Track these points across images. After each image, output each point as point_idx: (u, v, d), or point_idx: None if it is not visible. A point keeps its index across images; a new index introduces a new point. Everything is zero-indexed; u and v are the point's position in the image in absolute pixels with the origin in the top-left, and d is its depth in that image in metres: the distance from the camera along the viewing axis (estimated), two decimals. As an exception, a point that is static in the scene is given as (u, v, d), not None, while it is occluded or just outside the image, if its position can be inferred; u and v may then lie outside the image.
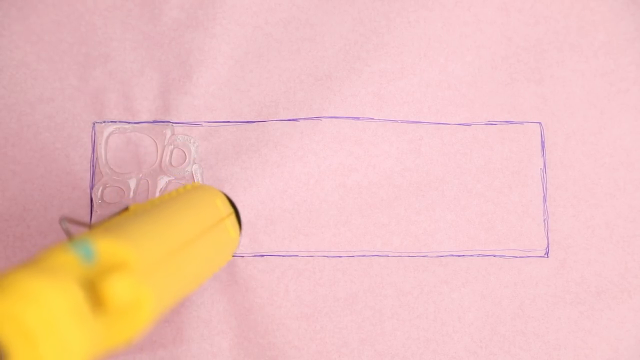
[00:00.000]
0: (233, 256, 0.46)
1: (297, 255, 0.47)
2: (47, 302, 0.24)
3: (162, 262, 0.31)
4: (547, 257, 0.48)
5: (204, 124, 0.47)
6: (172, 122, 0.47)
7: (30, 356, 0.23)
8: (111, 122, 0.47)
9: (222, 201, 0.41)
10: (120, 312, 0.27)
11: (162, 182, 0.47)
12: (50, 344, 0.23)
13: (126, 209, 0.37)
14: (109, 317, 0.27)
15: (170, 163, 0.47)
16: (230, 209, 0.42)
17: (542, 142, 0.49)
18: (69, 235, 0.30)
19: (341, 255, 0.47)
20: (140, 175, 0.47)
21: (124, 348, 0.32)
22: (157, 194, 0.46)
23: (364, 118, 0.48)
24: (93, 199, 0.46)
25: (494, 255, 0.48)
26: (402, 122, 0.49)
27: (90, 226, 0.34)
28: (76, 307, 0.25)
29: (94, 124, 0.47)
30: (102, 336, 0.26)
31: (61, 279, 0.25)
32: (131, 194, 0.46)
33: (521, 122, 0.49)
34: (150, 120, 0.47)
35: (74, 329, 0.24)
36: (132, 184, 0.47)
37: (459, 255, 0.48)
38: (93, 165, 0.47)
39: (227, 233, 0.41)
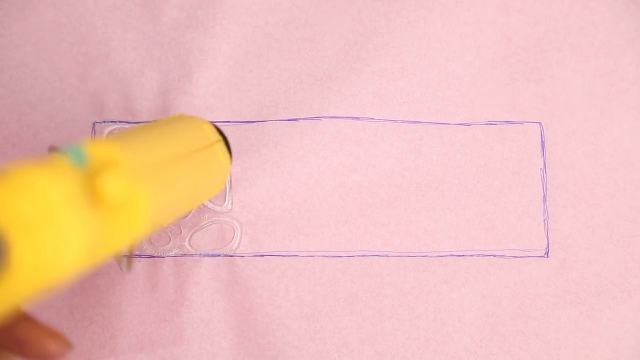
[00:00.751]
0: (233, 256, 0.46)
1: (297, 255, 0.47)
2: (45, 190, 0.24)
3: (152, 169, 0.32)
4: (547, 257, 0.48)
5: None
6: (172, 122, 0.47)
7: (30, 244, 0.24)
8: (111, 122, 0.47)
9: (210, 128, 0.41)
10: (116, 209, 0.27)
11: (162, 182, 0.47)
12: (48, 231, 0.24)
13: None
14: (105, 215, 0.27)
15: (170, 163, 0.47)
16: (219, 137, 0.42)
17: (542, 142, 0.49)
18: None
19: (341, 255, 0.47)
20: (140, 175, 0.47)
21: (125, 250, 0.33)
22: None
23: (364, 118, 0.48)
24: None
25: (494, 255, 0.48)
26: (402, 122, 0.49)
27: None
28: (73, 197, 0.25)
29: (94, 124, 0.47)
30: (100, 233, 0.26)
31: (57, 171, 0.25)
32: (131, 193, 0.46)
33: (521, 122, 0.49)
34: (150, 120, 0.47)
35: (71, 217, 0.25)
36: (132, 183, 0.47)
37: (459, 255, 0.48)
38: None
39: (217, 157, 0.41)
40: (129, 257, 0.37)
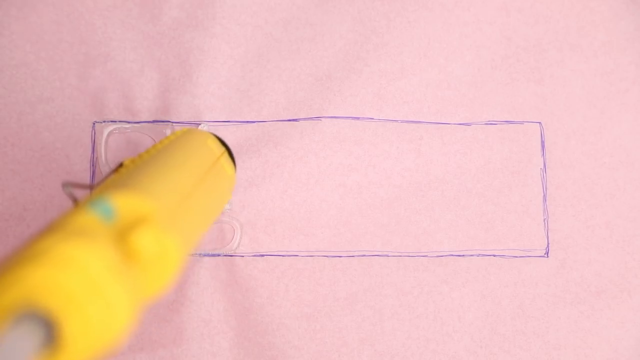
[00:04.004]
0: (233, 256, 0.46)
1: (297, 255, 0.47)
2: (86, 264, 0.24)
3: (177, 209, 0.32)
4: (547, 257, 0.48)
5: (204, 124, 0.47)
6: (172, 122, 0.47)
7: (80, 321, 0.23)
8: (111, 122, 0.47)
9: (213, 141, 0.41)
10: (150, 263, 0.28)
11: (162, 182, 0.47)
12: (96, 304, 0.24)
13: (120, 165, 0.37)
14: (141, 270, 0.27)
15: (170, 163, 0.47)
16: (222, 148, 0.42)
17: (542, 142, 0.49)
18: (74, 199, 0.31)
19: (341, 255, 0.47)
20: (140, 175, 0.47)
21: (159, 297, 0.33)
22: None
23: (364, 118, 0.48)
24: (93, 198, 0.46)
25: (494, 255, 0.48)
26: (402, 122, 0.49)
27: (91, 187, 0.34)
28: (113, 265, 0.25)
29: (94, 124, 0.47)
30: (138, 290, 0.27)
31: (93, 239, 0.25)
32: (131, 193, 0.46)
33: (521, 122, 0.49)
34: (150, 120, 0.47)
35: (116, 287, 0.24)
36: (132, 183, 0.47)
37: (459, 255, 0.48)
38: (93, 165, 0.47)
39: (224, 171, 0.41)
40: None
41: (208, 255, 0.46)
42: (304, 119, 0.48)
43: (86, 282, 0.24)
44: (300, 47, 0.49)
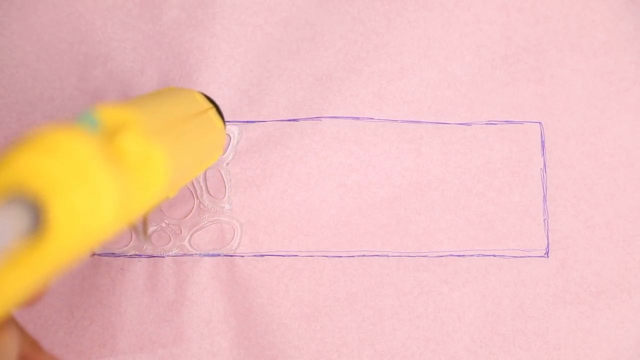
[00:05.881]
0: (233, 256, 0.46)
1: (297, 255, 0.47)
2: (73, 150, 0.24)
3: (161, 129, 0.32)
4: (547, 257, 0.48)
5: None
6: (172, 122, 0.47)
7: (66, 205, 0.24)
8: (111, 122, 0.47)
9: (201, 97, 0.42)
10: (136, 168, 0.28)
11: (162, 182, 0.47)
12: (82, 189, 0.24)
13: None
14: (127, 175, 0.27)
15: (170, 163, 0.47)
16: (210, 104, 0.42)
17: (542, 142, 0.49)
18: None
19: (341, 255, 0.47)
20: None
21: (150, 208, 0.33)
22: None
23: (363, 118, 0.48)
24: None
25: (494, 255, 0.48)
26: (402, 122, 0.49)
27: None
28: (99, 154, 0.25)
29: (94, 123, 0.47)
30: (126, 189, 0.27)
31: (79, 132, 0.25)
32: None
33: (521, 122, 0.49)
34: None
35: (102, 174, 0.25)
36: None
37: (459, 255, 0.48)
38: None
39: (212, 122, 0.41)
40: (144, 225, 0.38)
41: (208, 255, 0.46)
42: (304, 119, 0.48)
43: (73, 166, 0.24)
44: (300, 47, 0.49)
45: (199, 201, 0.47)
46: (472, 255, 0.48)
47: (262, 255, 0.47)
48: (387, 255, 0.47)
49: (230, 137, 0.47)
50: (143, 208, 0.30)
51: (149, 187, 0.29)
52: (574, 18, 0.50)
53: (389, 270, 0.47)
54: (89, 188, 0.24)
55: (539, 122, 0.49)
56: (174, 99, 0.39)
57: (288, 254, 0.47)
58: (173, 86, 0.44)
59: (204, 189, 0.47)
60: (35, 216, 0.23)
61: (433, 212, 0.48)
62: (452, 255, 0.48)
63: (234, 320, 0.46)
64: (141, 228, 0.42)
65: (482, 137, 0.49)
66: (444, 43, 0.49)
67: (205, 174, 0.47)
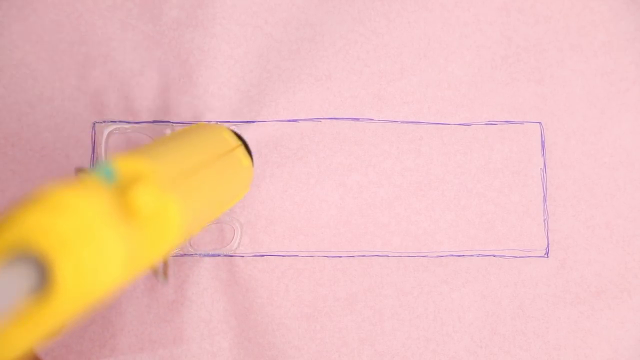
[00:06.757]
0: (233, 256, 0.46)
1: (297, 255, 0.47)
2: (81, 209, 0.24)
3: (179, 178, 0.32)
4: (547, 257, 0.48)
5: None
6: (172, 122, 0.47)
7: (73, 264, 0.24)
8: (111, 122, 0.47)
9: (229, 134, 0.42)
10: (149, 221, 0.28)
11: (162, 182, 0.47)
12: (89, 249, 0.24)
13: None
14: (140, 228, 0.27)
15: (170, 163, 0.47)
16: (239, 141, 0.42)
17: (542, 142, 0.49)
18: None
19: (341, 255, 0.47)
20: (140, 175, 0.47)
21: (162, 259, 0.33)
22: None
23: (363, 119, 0.48)
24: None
25: (494, 255, 0.48)
26: (402, 122, 0.49)
27: None
28: (108, 213, 0.25)
29: (94, 124, 0.47)
30: (136, 245, 0.27)
31: (90, 189, 0.25)
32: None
33: (521, 122, 0.49)
34: (150, 120, 0.47)
35: (109, 232, 0.25)
36: (132, 183, 0.47)
37: (459, 255, 0.48)
38: (93, 165, 0.47)
39: (239, 161, 0.41)
40: (164, 267, 0.37)
41: (208, 255, 0.46)
42: (304, 120, 0.48)
43: (79, 225, 0.24)
44: (300, 47, 0.49)
45: (199, 201, 0.47)
46: (472, 256, 0.48)
47: (262, 256, 0.47)
48: (387, 256, 0.47)
49: None
50: (156, 258, 0.30)
51: (162, 239, 0.29)
52: (574, 18, 0.50)
53: (389, 271, 0.47)
54: (96, 247, 0.24)
55: (539, 122, 0.49)
56: (200, 139, 0.38)
57: (288, 254, 0.47)
58: (203, 122, 0.44)
59: (204, 189, 0.47)
60: (42, 274, 0.23)
61: (433, 212, 0.48)
62: (452, 255, 0.48)
63: (234, 320, 0.46)
64: (161, 270, 0.42)
65: (482, 137, 0.49)
66: (444, 43, 0.49)
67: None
